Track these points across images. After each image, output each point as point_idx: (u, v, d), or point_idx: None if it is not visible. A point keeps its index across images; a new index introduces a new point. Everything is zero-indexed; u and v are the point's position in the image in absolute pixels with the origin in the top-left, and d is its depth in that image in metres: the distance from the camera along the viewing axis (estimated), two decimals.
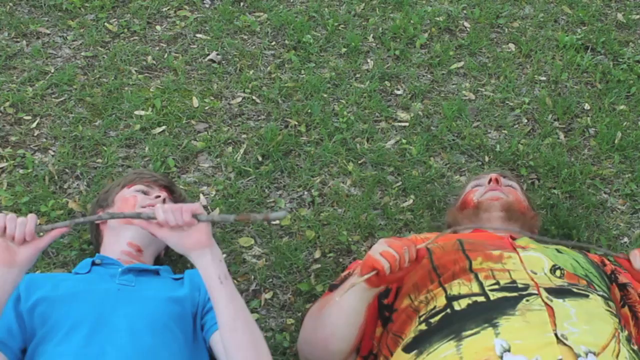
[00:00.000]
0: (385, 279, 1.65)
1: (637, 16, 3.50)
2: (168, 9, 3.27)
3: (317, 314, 1.83)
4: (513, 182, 2.27)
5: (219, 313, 1.63)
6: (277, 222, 2.41)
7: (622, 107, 2.97)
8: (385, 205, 2.50)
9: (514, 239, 1.93)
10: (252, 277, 2.26)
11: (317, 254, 2.34)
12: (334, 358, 1.79)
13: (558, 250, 1.87)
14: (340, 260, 2.33)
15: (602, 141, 2.80)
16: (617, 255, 1.78)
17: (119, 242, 1.99)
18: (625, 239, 2.47)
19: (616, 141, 2.79)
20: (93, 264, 1.93)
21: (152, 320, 1.71)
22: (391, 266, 1.62)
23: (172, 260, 2.22)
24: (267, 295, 2.22)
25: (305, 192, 2.54)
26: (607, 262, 1.97)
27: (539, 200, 2.54)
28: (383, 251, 1.64)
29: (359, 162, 2.66)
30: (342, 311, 1.74)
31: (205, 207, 2.43)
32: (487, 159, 2.71)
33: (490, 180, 2.19)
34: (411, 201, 2.53)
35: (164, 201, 2.06)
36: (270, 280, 2.27)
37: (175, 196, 2.17)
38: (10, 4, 3.19)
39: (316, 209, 2.48)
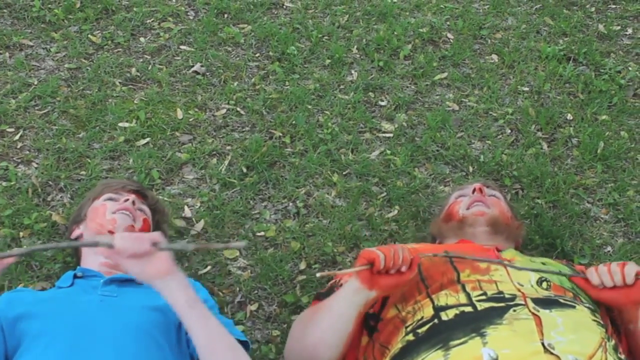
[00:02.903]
0: (379, 280, 1.66)
1: (618, 27, 3.53)
2: (152, 21, 3.27)
3: (308, 321, 1.82)
4: (496, 191, 2.28)
5: (194, 338, 1.58)
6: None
7: (604, 117, 2.99)
8: (370, 216, 2.50)
9: (499, 251, 1.94)
10: (238, 289, 2.25)
11: (302, 265, 2.33)
12: None
13: (544, 264, 1.88)
14: (326, 271, 2.32)
15: (585, 151, 2.82)
16: (574, 276, 1.80)
17: (96, 254, 1.98)
18: (609, 248, 2.49)
19: (599, 151, 2.81)
20: (75, 277, 1.92)
21: (135, 330, 1.70)
22: (386, 259, 1.64)
23: None
24: (253, 307, 2.21)
25: (290, 204, 2.54)
26: None
27: (522, 210, 2.56)
28: (379, 246, 1.68)
29: (344, 173, 2.66)
30: (333, 316, 1.74)
31: (189, 219, 2.43)
32: (471, 169, 2.72)
33: (474, 190, 2.20)
34: (396, 212, 2.54)
35: (133, 203, 2.07)
36: (256, 292, 2.26)
37: (148, 200, 2.17)
38: None
39: (301, 220, 2.47)
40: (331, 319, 1.74)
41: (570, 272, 1.84)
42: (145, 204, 2.15)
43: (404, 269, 1.67)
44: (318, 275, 1.77)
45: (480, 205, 2.13)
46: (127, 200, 2.07)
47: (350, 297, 1.72)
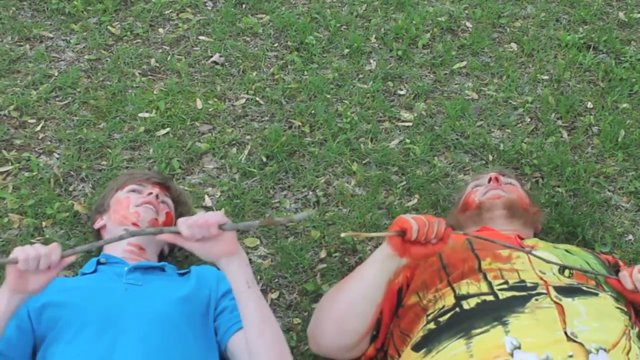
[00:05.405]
0: (410, 248, 1.66)
1: (639, 15, 3.50)
2: (170, 12, 3.28)
3: (336, 289, 1.82)
4: (512, 179, 2.28)
5: (246, 317, 1.64)
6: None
7: (624, 105, 2.97)
8: (389, 205, 2.50)
9: (521, 238, 1.93)
10: (258, 277, 2.26)
11: (322, 254, 2.34)
12: (346, 340, 1.77)
13: (568, 251, 1.87)
14: (346, 259, 2.33)
15: (606, 139, 2.80)
16: (608, 277, 1.78)
17: (119, 243, 1.99)
18: (630, 237, 2.47)
19: (619, 139, 2.80)
20: (98, 262, 1.94)
21: (160, 320, 1.72)
22: (419, 230, 1.63)
23: (177, 261, 2.23)
24: (274, 295, 2.22)
25: (310, 193, 2.54)
26: (621, 263, 1.97)
27: (543, 198, 2.55)
28: (414, 216, 1.67)
29: (363, 162, 2.67)
30: (363, 284, 1.74)
31: (210, 208, 2.44)
32: (490, 157, 2.71)
33: (490, 180, 2.19)
34: (416, 200, 2.53)
35: (157, 197, 2.08)
36: (276, 280, 2.27)
37: (171, 192, 2.18)
38: (14, 8, 3.20)
39: (321, 209, 2.48)
40: (361, 287, 1.74)
41: (604, 271, 1.82)
42: (169, 197, 2.16)
43: (434, 241, 1.68)
44: (342, 235, 1.78)
45: (496, 190, 2.13)
46: (151, 193, 2.08)
47: (381, 262, 1.72)
